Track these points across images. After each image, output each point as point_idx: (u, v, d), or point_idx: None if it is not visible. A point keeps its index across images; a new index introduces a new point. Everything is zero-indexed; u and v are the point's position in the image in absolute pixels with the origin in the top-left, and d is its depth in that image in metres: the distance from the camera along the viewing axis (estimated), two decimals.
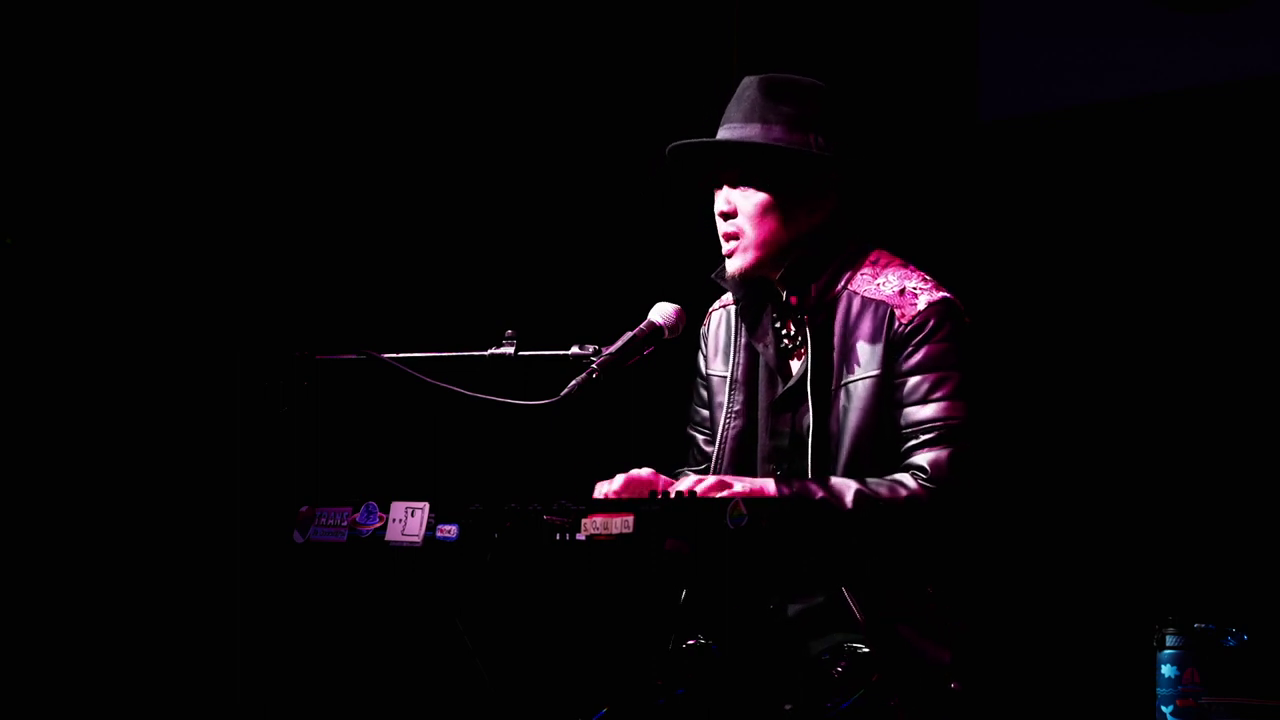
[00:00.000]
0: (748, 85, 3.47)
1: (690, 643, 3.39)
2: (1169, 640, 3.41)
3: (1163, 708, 3.40)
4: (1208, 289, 4.82)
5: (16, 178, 4.69)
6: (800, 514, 3.18)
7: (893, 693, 3.22)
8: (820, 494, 3.22)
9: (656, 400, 4.14)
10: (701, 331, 3.66)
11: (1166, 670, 3.40)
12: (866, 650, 3.25)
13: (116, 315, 4.83)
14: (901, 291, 3.39)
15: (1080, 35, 5.06)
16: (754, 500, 3.02)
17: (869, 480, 3.26)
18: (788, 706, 3.18)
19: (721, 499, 3.03)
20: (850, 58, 5.31)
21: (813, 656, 3.29)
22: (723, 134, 3.45)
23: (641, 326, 3.37)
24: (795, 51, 5.37)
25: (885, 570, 3.29)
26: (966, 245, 5.10)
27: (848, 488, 3.23)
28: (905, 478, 3.27)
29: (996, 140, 5.17)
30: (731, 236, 3.46)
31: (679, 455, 3.74)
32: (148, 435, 4.85)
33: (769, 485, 3.23)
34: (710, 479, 3.21)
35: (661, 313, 3.40)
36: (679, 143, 3.49)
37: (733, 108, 3.47)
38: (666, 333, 3.39)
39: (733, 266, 3.47)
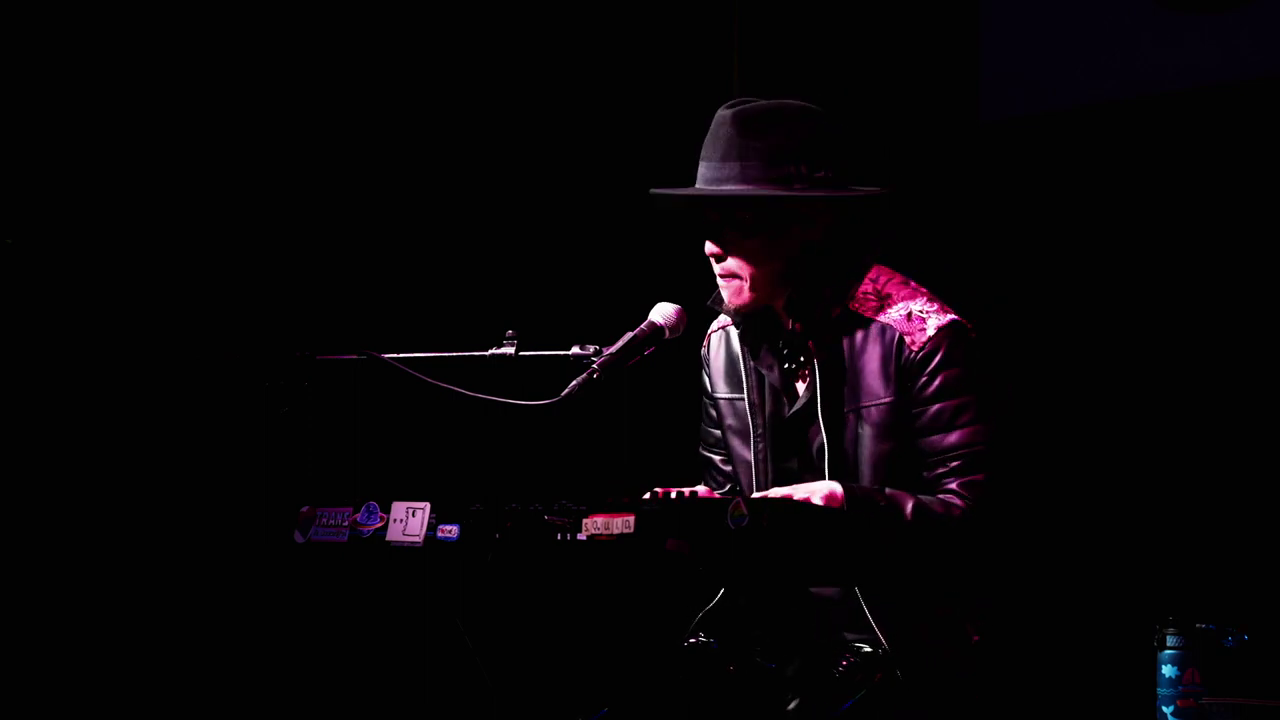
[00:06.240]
0: (722, 121, 3.39)
1: (690, 642, 3.39)
2: (1169, 640, 3.40)
3: (1163, 708, 3.39)
4: (1208, 289, 4.82)
5: (16, 178, 4.69)
6: (863, 520, 3.18)
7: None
8: (883, 501, 3.23)
9: (658, 402, 4.14)
10: (702, 353, 3.63)
11: (1167, 670, 3.39)
12: (871, 650, 3.24)
13: (116, 316, 4.83)
14: (909, 316, 3.35)
15: (1080, 35, 5.06)
16: (755, 500, 3.01)
17: (921, 495, 3.27)
18: (791, 705, 3.18)
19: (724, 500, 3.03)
20: (851, 58, 5.31)
21: (818, 656, 3.29)
22: (702, 173, 3.39)
23: (642, 326, 3.36)
24: (795, 51, 5.38)
25: (925, 588, 3.30)
26: (966, 246, 5.10)
27: (906, 499, 3.24)
28: (953, 499, 3.28)
29: (996, 140, 5.17)
30: (727, 274, 3.41)
31: (679, 456, 3.73)
32: (148, 436, 4.85)
33: (837, 489, 3.22)
34: (780, 490, 3.24)
35: (662, 313, 3.39)
36: (656, 191, 3.45)
37: (709, 144, 3.40)
38: (667, 333, 3.38)
39: (734, 304, 3.44)
